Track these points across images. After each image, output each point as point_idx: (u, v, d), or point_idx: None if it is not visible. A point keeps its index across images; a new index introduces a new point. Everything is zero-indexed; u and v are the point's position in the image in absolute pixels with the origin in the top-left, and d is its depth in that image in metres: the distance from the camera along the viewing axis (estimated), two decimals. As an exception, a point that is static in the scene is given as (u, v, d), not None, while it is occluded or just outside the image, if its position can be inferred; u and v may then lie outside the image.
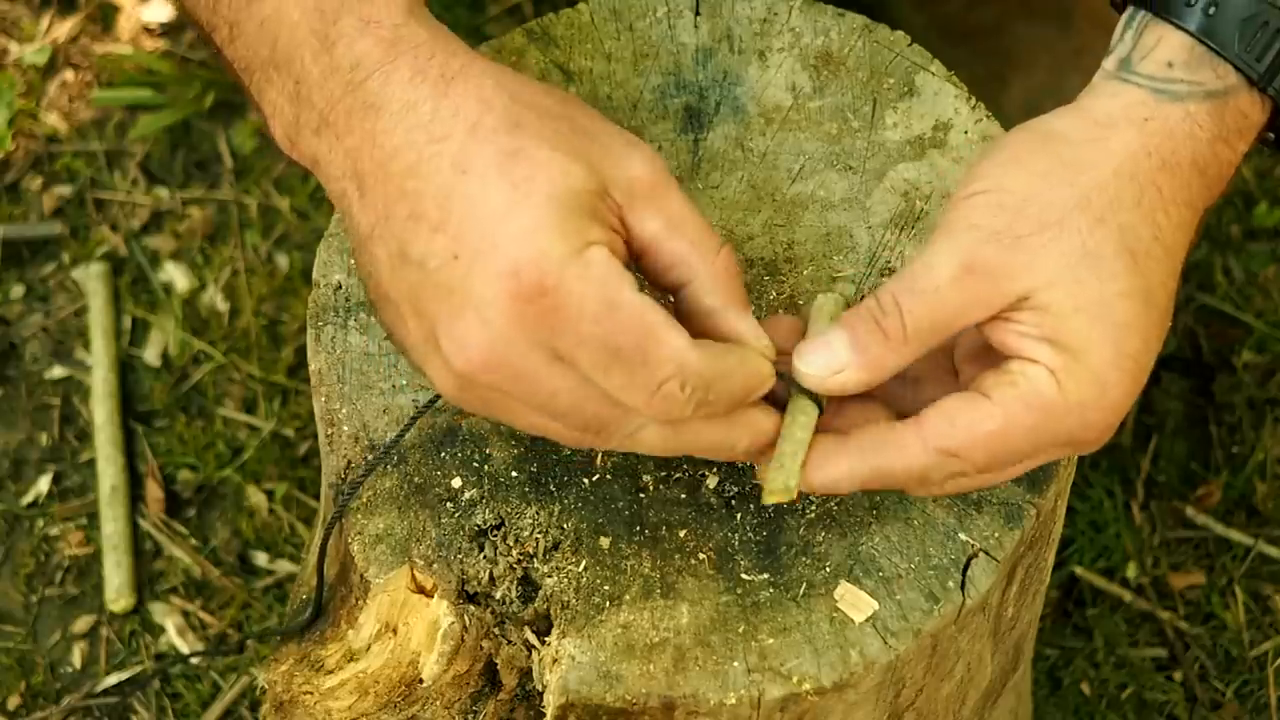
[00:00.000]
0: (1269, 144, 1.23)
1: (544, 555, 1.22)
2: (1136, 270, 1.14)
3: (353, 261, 1.31)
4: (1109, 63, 1.20)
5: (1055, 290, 1.12)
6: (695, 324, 1.14)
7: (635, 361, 1.08)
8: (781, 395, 1.15)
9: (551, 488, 1.24)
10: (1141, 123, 1.16)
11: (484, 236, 1.08)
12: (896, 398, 1.19)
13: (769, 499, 1.13)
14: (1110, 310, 1.13)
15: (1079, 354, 1.12)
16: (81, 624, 1.95)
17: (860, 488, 1.15)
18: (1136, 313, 1.14)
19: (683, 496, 1.24)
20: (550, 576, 1.21)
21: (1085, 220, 1.13)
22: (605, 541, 1.22)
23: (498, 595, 1.21)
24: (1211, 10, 1.17)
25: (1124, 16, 1.21)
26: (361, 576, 1.23)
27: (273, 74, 1.16)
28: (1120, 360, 1.13)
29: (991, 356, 1.16)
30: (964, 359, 1.19)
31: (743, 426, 1.13)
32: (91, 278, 2.12)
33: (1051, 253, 1.13)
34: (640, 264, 1.14)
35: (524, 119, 1.11)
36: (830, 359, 1.13)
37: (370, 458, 1.24)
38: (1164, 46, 1.18)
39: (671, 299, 1.15)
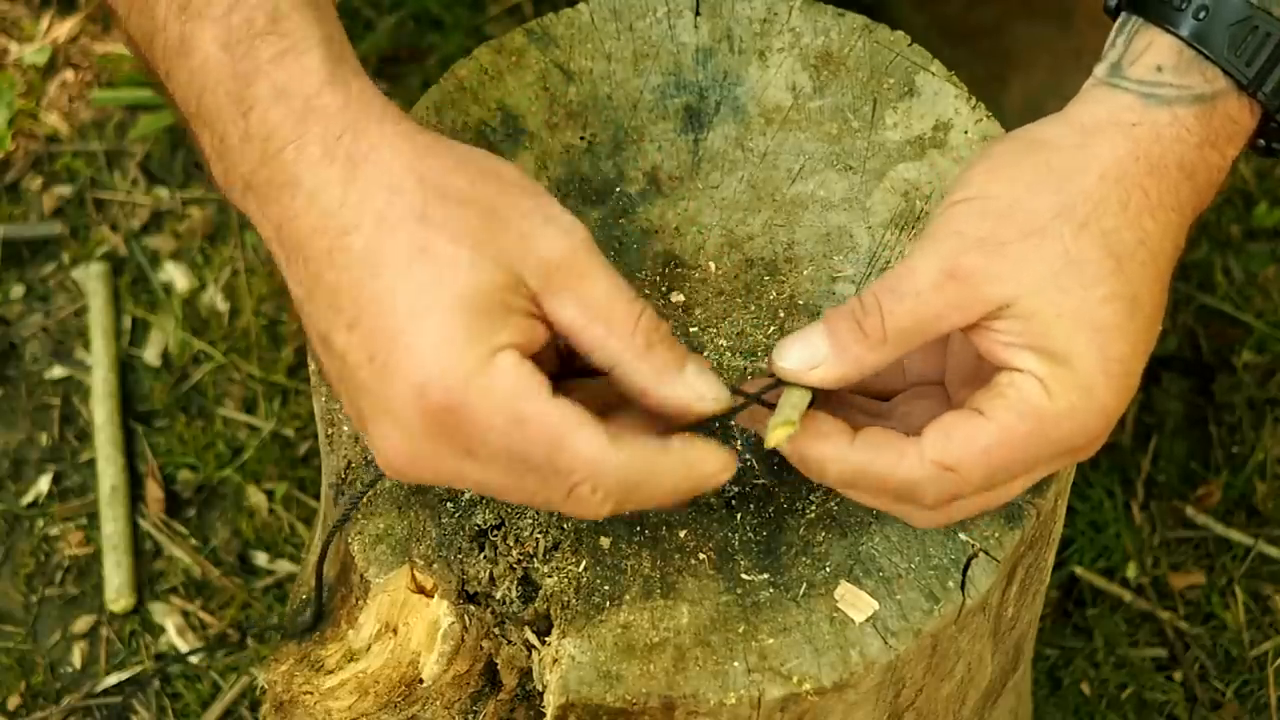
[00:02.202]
0: (1259, 150, 1.23)
1: (544, 555, 1.22)
2: (1121, 274, 1.14)
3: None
4: (1100, 69, 1.20)
5: (1038, 297, 1.12)
6: (636, 402, 1.14)
7: (545, 470, 1.09)
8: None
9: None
10: (1129, 127, 1.16)
11: (394, 344, 1.09)
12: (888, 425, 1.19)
13: (771, 440, 1.13)
14: (1094, 315, 1.13)
15: (1064, 360, 1.12)
16: (81, 624, 1.95)
17: (847, 482, 1.16)
18: (1121, 317, 1.14)
19: (683, 496, 1.24)
20: (550, 576, 1.21)
21: (1069, 227, 1.14)
22: (605, 541, 1.22)
23: (498, 595, 1.21)
24: (1202, 15, 1.17)
25: (1118, 23, 1.22)
26: (361, 576, 1.23)
27: (201, 127, 1.16)
28: (1107, 365, 1.13)
29: (983, 379, 1.16)
30: (957, 384, 1.19)
31: (687, 469, 1.13)
32: (91, 278, 2.12)
33: (1034, 260, 1.13)
34: (569, 346, 1.14)
35: (430, 209, 1.10)
36: (809, 352, 1.14)
37: (368, 478, 1.24)
38: (1153, 51, 1.18)
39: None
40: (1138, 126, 1.16)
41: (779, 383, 1.16)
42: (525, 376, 1.08)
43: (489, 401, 1.08)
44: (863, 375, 1.14)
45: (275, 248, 1.15)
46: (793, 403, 1.15)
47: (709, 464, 1.13)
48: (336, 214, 1.10)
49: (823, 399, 1.17)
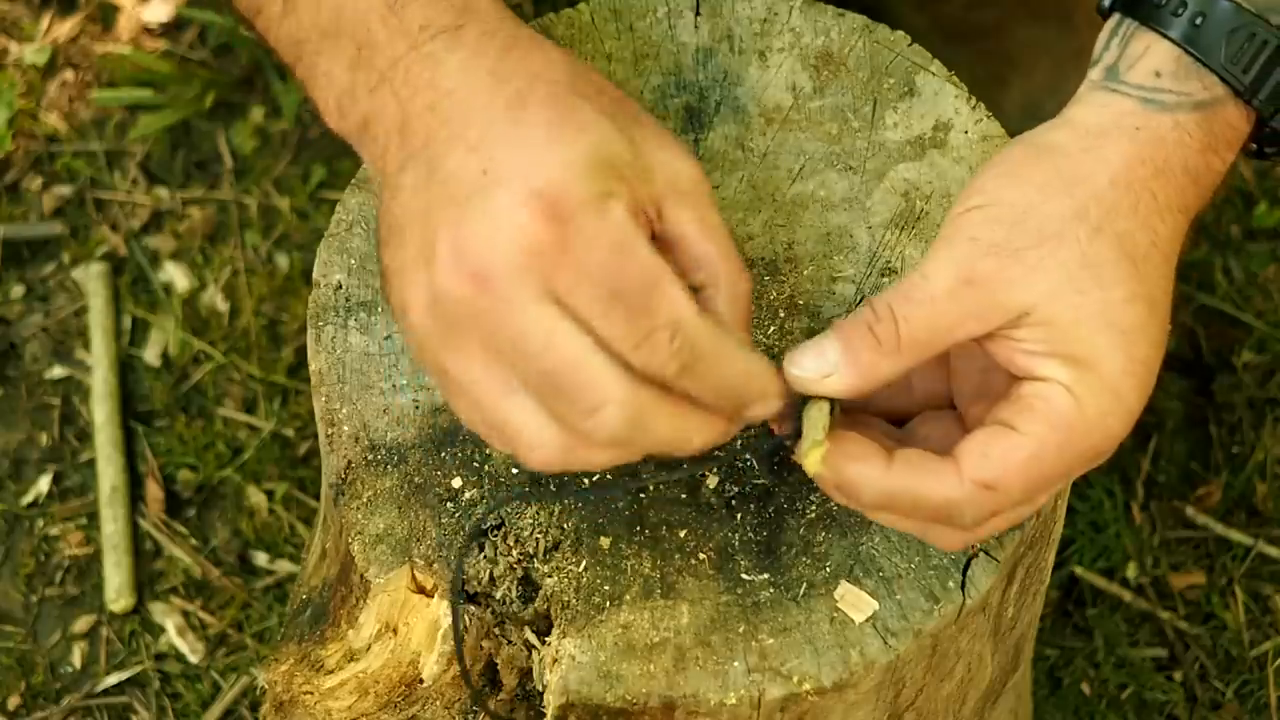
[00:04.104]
0: (1251, 154, 1.23)
1: (544, 555, 1.22)
2: (1137, 276, 1.14)
3: (353, 262, 1.31)
4: (1095, 72, 1.20)
5: (1057, 303, 1.12)
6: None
7: (635, 305, 1.06)
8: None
9: (552, 488, 1.24)
10: (1133, 131, 1.16)
11: (518, 158, 1.09)
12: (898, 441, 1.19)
13: (807, 463, 1.12)
14: (1116, 317, 1.13)
15: (1091, 365, 1.12)
16: (81, 624, 1.95)
17: (882, 504, 1.14)
18: (1142, 318, 1.14)
19: (683, 496, 1.24)
20: (550, 576, 1.21)
21: (1084, 230, 1.13)
22: (605, 541, 1.22)
23: (498, 595, 1.21)
24: (1199, 21, 1.17)
25: (1109, 24, 1.21)
26: (361, 576, 1.23)
27: (329, 44, 1.17)
28: (1132, 366, 1.13)
29: (994, 392, 1.16)
30: (967, 400, 1.18)
31: (700, 419, 1.10)
32: (91, 278, 2.12)
33: (1050, 265, 1.12)
34: (666, 257, 1.12)
35: (583, 87, 1.13)
36: (820, 362, 1.13)
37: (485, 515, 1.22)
38: (1151, 56, 1.18)
39: None
40: (1141, 131, 1.16)
41: (804, 399, 1.14)
42: (633, 223, 1.08)
43: (598, 225, 1.07)
44: (877, 385, 1.13)
45: (393, 135, 1.14)
46: (812, 419, 1.13)
47: (763, 383, 1.11)
48: (491, 70, 1.12)
49: (846, 424, 1.15)
